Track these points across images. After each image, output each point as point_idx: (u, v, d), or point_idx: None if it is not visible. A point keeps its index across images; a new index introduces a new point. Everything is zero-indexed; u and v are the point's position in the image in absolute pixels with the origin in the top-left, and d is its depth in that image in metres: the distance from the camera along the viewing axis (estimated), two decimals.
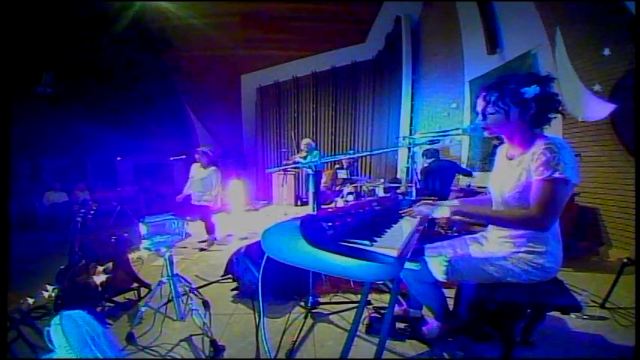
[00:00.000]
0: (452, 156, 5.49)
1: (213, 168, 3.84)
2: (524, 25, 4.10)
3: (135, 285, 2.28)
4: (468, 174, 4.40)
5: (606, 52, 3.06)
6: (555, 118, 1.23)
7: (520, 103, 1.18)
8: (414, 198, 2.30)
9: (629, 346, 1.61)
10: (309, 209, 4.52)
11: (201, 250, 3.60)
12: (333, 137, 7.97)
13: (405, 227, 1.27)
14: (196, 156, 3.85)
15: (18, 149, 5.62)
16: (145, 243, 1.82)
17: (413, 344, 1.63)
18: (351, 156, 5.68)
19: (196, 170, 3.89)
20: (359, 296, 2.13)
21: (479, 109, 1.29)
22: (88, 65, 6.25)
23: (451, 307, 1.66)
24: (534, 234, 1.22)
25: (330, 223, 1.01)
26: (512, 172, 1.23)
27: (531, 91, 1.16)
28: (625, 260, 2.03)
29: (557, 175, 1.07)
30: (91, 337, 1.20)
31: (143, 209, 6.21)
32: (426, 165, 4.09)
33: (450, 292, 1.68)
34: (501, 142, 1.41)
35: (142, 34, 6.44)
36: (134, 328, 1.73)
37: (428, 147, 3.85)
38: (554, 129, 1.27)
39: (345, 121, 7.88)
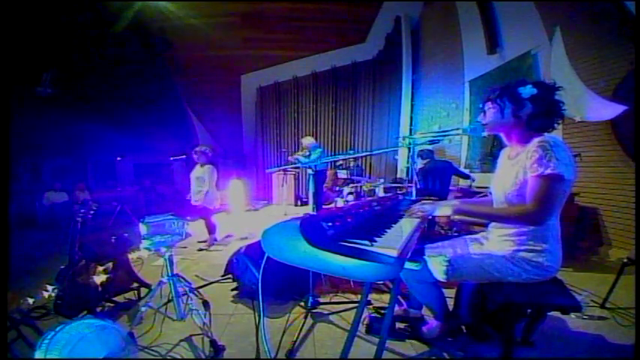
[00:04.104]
0: (450, 156, 5.48)
1: (209, 166, 3.84)
2: (524, 25, 4.11)
3: (135, 285, 2.28)
4: (466, 177, 4.28)
5: (606, 52, 3.06)
6: (560, 124, 1.28)
7: (515, 100, 1.25)
8: (414, 198, 2.30)
9: (629, 346, 1.61)
10: (309, 209, 4.52)
11: (201, 250, 3.60)
12: (333, 137, 7.97)
13: (405, 227, 1.27)
14: (194, 156, 3.85)
15: (18, 149, 5.62)
16: (145, 243, 1.81)
17: (413, 344, 1.63)
18: (351, 156, 5.68)
19: (195, 170, 3.89)
20: (359, 296, 2.13)
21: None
22: (88, 65, 6.24)
23: (451, 307, 1.66)
24: (534, 232, 1.23)
25: (330, 223, 1.01)
26: (511, 170, 1.26)
27: (527, 90, 1.22)
28: (625, 260, 2.03)
29: (549, 171, 1.10)
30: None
31: (143, 209, 6.22)
32: (421, 166, 4.07)
33: (450, 292, 1.68)
34: (501, 146, 1.43)
35: (142, 34, 6.43)
36: (134, 328, 1.72)
37: (422, 148, 3.82)
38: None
39: (345, 121, 7.88)
